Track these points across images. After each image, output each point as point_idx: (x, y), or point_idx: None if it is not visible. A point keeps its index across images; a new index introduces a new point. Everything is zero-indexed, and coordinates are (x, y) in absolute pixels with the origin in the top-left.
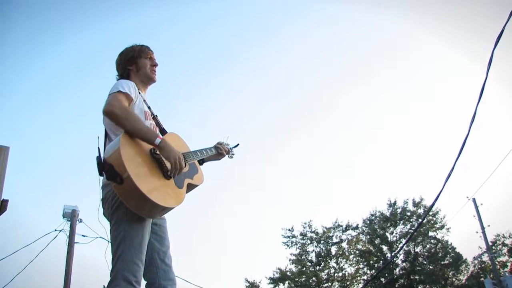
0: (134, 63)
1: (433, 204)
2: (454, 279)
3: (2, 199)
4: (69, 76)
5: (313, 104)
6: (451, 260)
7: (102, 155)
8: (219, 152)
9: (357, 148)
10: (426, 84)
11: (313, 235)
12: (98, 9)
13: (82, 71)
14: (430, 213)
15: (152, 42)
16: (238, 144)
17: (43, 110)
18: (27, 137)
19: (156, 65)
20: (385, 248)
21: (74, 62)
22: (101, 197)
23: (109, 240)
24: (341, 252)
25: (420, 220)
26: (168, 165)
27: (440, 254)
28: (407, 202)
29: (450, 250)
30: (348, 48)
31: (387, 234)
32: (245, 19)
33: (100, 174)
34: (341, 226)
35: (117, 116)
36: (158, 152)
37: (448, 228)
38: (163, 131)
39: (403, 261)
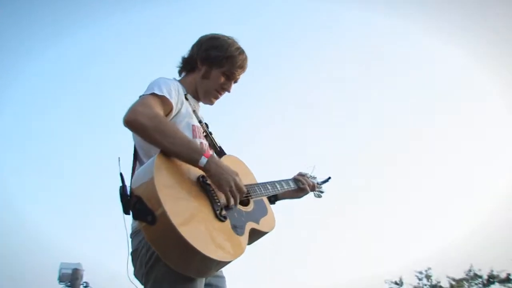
0: (209, 66)
1: None
2: None
3: None
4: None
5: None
6: None
7: (127, 185)
8: (300, 187)
9: None
10: None
11: None
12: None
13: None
14: None
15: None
16: (329, 178)
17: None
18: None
19: (227, 90)
20: None
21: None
22: (131, 250)
23: None
24: None
25: None
26: (222, 198)
27: None
28: None
29: None
30: None
31: None
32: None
33: (126, 211)
34: (480, 277)
35: (145, 128)
36: (208, 180)
37: None
38: (220, 155)
39: None
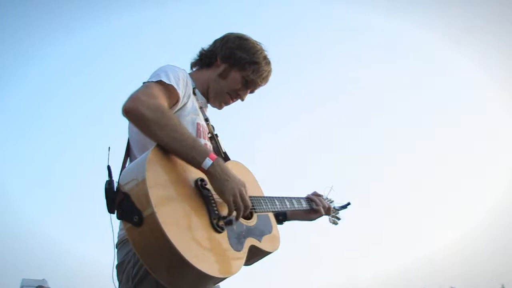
0: (231, 66)
1: None
2: None
3: None
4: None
5: None
6: None
7: (115, 180)
8: (314, 208)
9: None
10: None
11: None
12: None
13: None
14: None
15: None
16: (349, 204)
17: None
18: None
19: (241, 98)
20: None
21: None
22: (116, 263)
23: None
24: None
25: None
26: (221, 207)
27: None
28: None
29: None
30: None
31: None
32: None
33: (110, 209)
34: None
35: (145, 119)
36: (208, 185)
37: None
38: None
39: None
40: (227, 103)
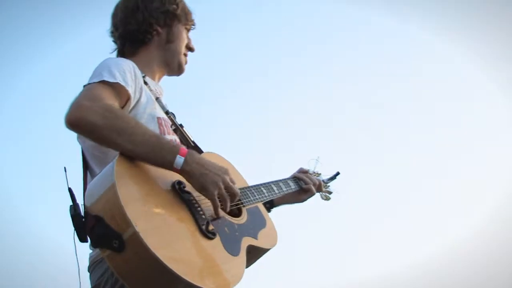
0: (168, 26)
1: None
2: None
3: None
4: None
5: None
6: None
7: (80, 203)
8: (303, 187)
9: None
10: None
11: None
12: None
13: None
14: None
15: None
16: (338, 174)
17: None
18: None
19: (192, 49)
20: None
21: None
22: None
23: None
24: None
25: None
26: (206, 207)
27: None
28: None
29: None
30: None
31: None
32: None
33: (81, 238)
34: None
35: (96, 128)
36: (187, 187)
37: None
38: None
39: None
40: (186, 62)
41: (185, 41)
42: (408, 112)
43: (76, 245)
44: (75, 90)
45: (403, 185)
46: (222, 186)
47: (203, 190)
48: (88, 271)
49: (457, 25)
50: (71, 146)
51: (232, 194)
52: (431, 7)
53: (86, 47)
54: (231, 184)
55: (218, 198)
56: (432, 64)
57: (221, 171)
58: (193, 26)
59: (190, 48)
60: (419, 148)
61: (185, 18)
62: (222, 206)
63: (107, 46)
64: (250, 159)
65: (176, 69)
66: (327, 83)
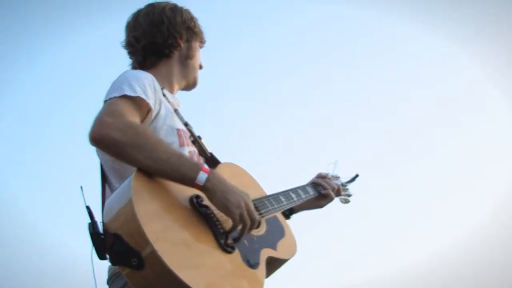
0: (189, 41)
1: None
2: None
3: None
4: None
5: None
6: None
7: (98, 220)
8: (322, 193)
9: None
10: None
11: None
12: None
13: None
14: None
15: None
16: (357, 176)
17: None
18: None
19: (202, 66)
20: None
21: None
22: None
23: None
24: None
25: None
26: (226, 223)
27: None
28: None
29: None
30: None
31: None
32: None
33: (101, 256)
34: None
35: (118, 144)
36: (205, 201)
37: None
38: (212, 163)
39: None
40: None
41: (200, 58)
42: (408, 112)
43: (93, 261)
44: (77, 90)
45: (403, 185)
46: (245, 209)
47: (225, 209)
48: (107, 283)
49: (462, 28)
50: (84, 149)
51: (252, 219)
52: (437, 11)
53: (89, 48)
54: (253, 209)
55: (240, 220)
56: (435, 65)
57: (244, 193)
58: (203, 45)
59: (201, 66)
60: (419, 148)
61: (200, 36)
62: (243, 229)
63: (109, 47)
64: (269, 168)
65: (191, 84)
66: (343, 89)
